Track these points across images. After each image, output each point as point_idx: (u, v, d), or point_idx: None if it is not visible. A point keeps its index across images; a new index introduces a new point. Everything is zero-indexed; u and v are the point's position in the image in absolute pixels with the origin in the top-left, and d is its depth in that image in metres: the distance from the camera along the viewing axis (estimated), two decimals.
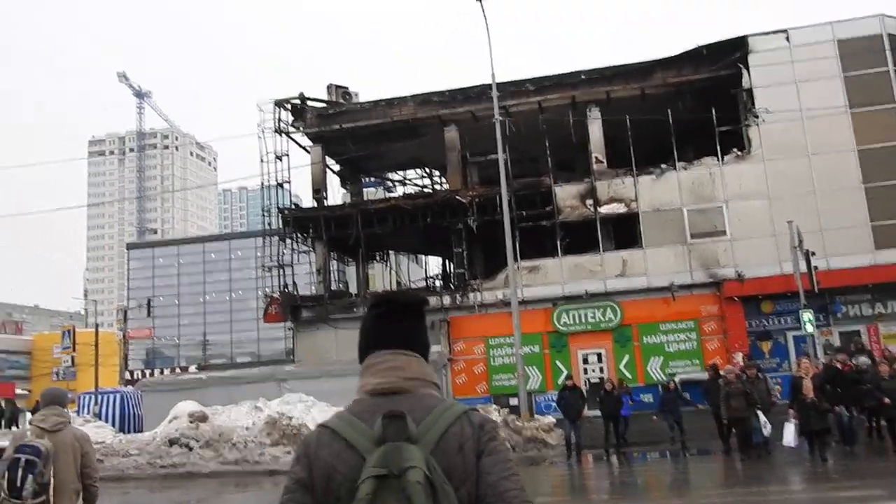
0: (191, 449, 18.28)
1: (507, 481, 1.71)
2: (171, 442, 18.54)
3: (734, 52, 24.07)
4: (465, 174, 27.83)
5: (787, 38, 23.85)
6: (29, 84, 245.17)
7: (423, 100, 27.05)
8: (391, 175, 34.29)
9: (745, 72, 23.91)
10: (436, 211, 25.89)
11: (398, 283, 34.12)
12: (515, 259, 24.31)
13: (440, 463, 1.65)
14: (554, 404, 23.96)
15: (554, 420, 19.27)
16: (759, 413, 12.67)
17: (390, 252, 34.54)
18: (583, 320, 24.35)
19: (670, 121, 24.08)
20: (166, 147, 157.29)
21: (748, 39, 24.02)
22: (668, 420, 17.06)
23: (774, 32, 24.02)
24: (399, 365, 1.82)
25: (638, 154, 24.53)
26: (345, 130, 27.32)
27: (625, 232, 25.05)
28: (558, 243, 24.65)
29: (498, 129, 20.68)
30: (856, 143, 22.95)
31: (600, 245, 24.44)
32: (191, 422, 19.19)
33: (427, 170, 33.94)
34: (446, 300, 25.28)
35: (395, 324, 1.89)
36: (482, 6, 19.94)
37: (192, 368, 38.43)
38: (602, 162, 25.33)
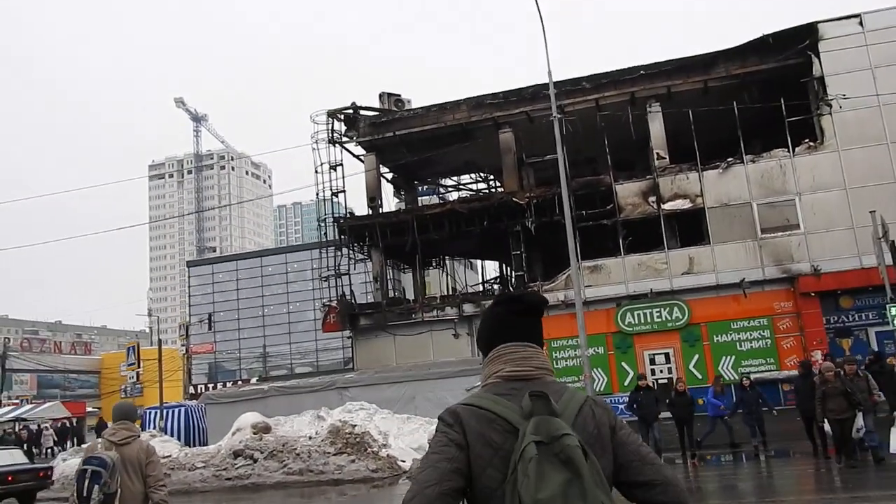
0: (255, 460, 18.13)
1: (644, 447, 2.02)
2: (236, 454, 18.44)
3: (803, 39, 23.01)
4: (520, 176, 27.30)
5: (861, 23, 22.68)
6: (87, 108, 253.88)
7: (477, 103, 26.67)
8: (445, 181, 34.00)
9: (815, 60, 22.83)
10: (492, 214, 25.44)
11: (454, 290, 33.67)
12: (577, 259, 23.71)
13: (579, 433, 1.86)
14: (621, 406, 23.23)
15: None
16: (860, 415, 11.27)
17: (446, 258, 34.17)
18: (648, 320, 23.51)
19: (735, 113, 23.17)
20: (223, 167, 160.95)
21: (818, 26, 22.93)
22: (748, 422, 15.43)
23: (846, 17, 22.87)
24: (529, 356, 2.06)
25: (701, 149, 23.68)
26: (398, 137, 27.13)
27: (690, 228, 24.14)
28: (621, 242, 23.91)
29: (556, 127, 20.09)
30: None
31: (665, 242, 23.59)
32: (254, 433, 19.08)
33: (482, 174, 33.53)
34: None
35: (522, 319, 2.12)
36: (538, 4, 19.41)
37: (254, 380, 38.73)
38: (664, 158, 24.51)
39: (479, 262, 42.77)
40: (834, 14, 23.45)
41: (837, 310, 22.24)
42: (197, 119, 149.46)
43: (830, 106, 22.40)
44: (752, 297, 22.56)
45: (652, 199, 23.92)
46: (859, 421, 11.17)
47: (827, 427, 11.70)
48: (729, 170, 23.34)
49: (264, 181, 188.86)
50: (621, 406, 23.11)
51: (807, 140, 22.92)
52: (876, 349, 21.58)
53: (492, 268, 40.01)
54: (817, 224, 22.24)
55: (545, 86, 25.76)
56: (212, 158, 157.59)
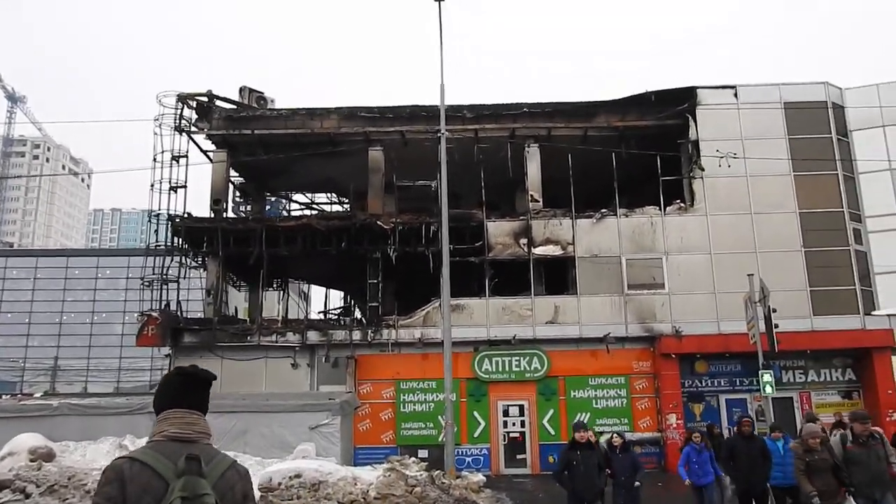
0: (28, 496, 14.25)
1: None
2: (2, 486, 14.47)
3: (682, 101, 23.25)
4: (385, 200, 25.33)
5: (736, 95, 23.28)
6: None
7: (349, 113, 24.54)
8: (297, 197, 31.24)
9: (692, 123, 23.06)
10: (353, 236, 23.15)
11: (285, 318, 30.53)
12: (440, 295, 22.01)
13: (218, 494, 2.42)
14: (468, 459, 21.48)
15: (483, 478, 16.65)
16: (851, 498, 7.94)
17: (287, 280, 31.21)
18: (506, 368, 22.11)
19: (613, 164, 22.79)
20: (36, 157, 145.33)
21: (696, 91, 23.28)
22: (620, 497, 10.73)
23: (723, 87, 23.40)
24: (193, 421, 2.57)
25: (575, 196, 23.05)
26: (256, 137, 24.26)
27: (557, 277, 23.30)
28: (487, 282, 22.49)
29: (443, 146, 18.42)
30: (798, 207, 22.39)
31: (532, 288, 22.45)
32: (32, 460, 15.18)
33: (338, 197, 31.12)
34: (356, 335, 22.40)
35: (194, 390, 2.66)
36: (440, 8, 17.79)
37: (37, 395, 32.83)
38: (538, 201, 23.60)
39: (313, 290, 39.91)
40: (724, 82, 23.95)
41: (692, 374, 22.08)
42: (13, 99, 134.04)
43: (703, 170, 22.60)
44: (612, 354, 21.88)
45: (523, 241, 22.80)
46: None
47: None
48: (602, 221, 22.79)
49: (83, 179, 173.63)
50: (468, 458, 21.58)
51: (678, 201, 22.94)
52: (727, 418, 21.61)
53: (334, 297, 37.39)
54: (682, 285, 22.09)
55: (424, 108, 24.39)
56: (24, 145, 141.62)
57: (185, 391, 2.60)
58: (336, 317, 30.17)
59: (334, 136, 24.36)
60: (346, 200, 30.88)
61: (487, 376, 22.05)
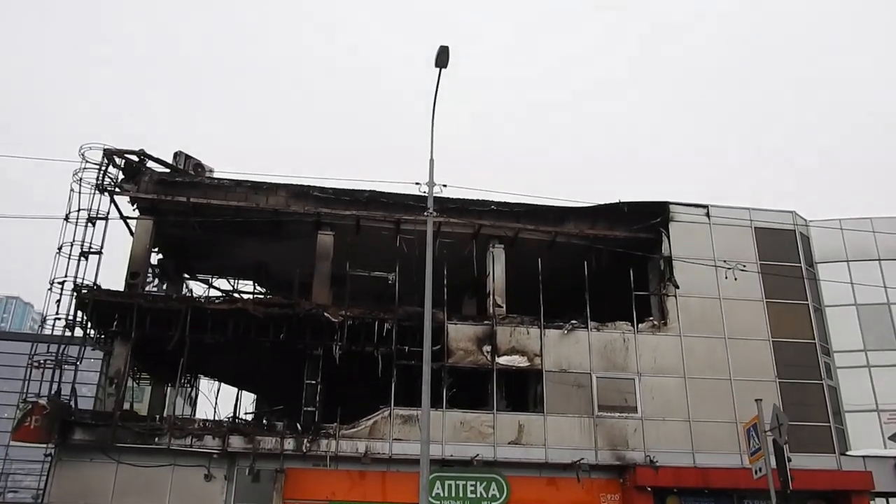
0: None
1: None
2: None
3: (655, 215, 22.43)
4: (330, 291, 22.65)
5: (707, 214, 22.72)
6: None
7: (300, 191, 22.15)
8: (220, 283, 27.85)
9: (664, 238, 22.15)
10: (293, 327, 20.21)
11: (204, 420, 26.18)
12: (390, 403, 19.32)
13: None
14: None
15: None
16: None
17: (196, 375, 27.28)
18: (461, 494, 19.21)
19: (585, 273, 21.35)
20: None
21: (669, 206, 22.58)
22: None
23: (695, 205, 22.83)
24: None
25: (536, 305, 21.29)
26: (191, 206, 21.31)
27: (519, 391, 21.03)
28: (444, 392, 19.91)
29: (430, 227, 16.30)
30: (770, 335, 21.46)
31: (493, 402, 20.04)
32: None
33: (267, 288, 27.93)
34: (288, 444, 19.00)
35: None
36: (439, 75, 16.11)
37: None
38: (501, 306, 21.64)
39: (209, 391, 35.42)
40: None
41: None
42: None
43: (678, 287, 21.50)
44: (580, 484, 19.47)
45: (487, 348, 20.57)
46: None
47: None
48: (572, 333, 20.98)
49: None
50: None
51: (650, 318, 21.57)
52: None
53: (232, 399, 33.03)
54: (655, 410, 20.29)
55: (384, 194, 22.45)
56: None
57: None
58: (269, 420, 26.16)
59: (281, 214, 21.83)
60: (271, 294, 27.82)
61: (438, 502, 19.04)
